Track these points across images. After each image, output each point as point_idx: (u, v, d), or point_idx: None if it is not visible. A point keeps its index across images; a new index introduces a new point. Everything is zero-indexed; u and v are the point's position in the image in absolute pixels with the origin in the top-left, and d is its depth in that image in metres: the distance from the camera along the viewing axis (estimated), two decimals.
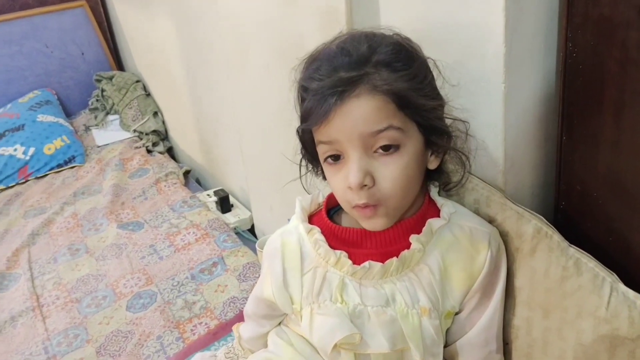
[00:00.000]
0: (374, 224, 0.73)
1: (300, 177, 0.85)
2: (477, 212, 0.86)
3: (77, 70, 2.86)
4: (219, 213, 1.87)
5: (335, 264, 0.78)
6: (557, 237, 0.81)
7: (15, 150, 2.34)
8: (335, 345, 0.76)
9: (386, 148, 0.69)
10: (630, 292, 0.76)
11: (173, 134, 2.58)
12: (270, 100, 1.35)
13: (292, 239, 0.82)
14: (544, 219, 0.83)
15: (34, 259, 1.72)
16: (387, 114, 0.67)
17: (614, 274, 0.78)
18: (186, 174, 2.25)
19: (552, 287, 0.80)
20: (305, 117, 0.71)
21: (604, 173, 0.79)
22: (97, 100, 2.83)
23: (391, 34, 0.73)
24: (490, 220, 0.85)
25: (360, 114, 0.67)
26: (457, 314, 0.82)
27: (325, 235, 0.79)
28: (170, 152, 2.59)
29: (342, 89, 0.66)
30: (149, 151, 2.46)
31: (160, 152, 2.47)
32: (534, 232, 0.82)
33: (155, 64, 2.47)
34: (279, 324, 0.93)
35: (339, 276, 0.78)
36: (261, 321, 0.93)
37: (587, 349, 0.77)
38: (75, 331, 1.38)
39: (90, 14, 2.85)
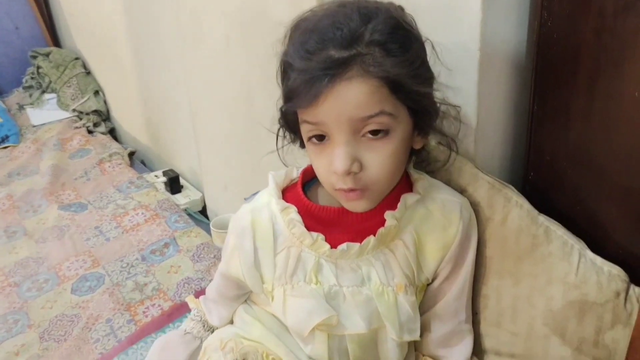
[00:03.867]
0: (357, 206, 0.70)
1: (278, 149, 0.80)
2: (448, 182, 0.85)
3: (10, 45, 2.69)
4: (168, 194, 1.80)
5: (311, 246, 0.75)
6: (527, 206, 0.82)
7: None
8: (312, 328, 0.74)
9: (375, 132, 0.65)
10: (598, 259, 0.78)
11: (116, 114, 2.47)
12: (229, 74, 1.30)
13: (263, 216, 0.78)
14: (514, 189, 0.84)
15: None
16: (380, 99, 0.63)
17: (582, 241, 0.80)
18: (131, 155, 2.16)
19: (523, 255, 0.81)
20: (290, 97, 0.66)
21: (575, 143, 0.80)
22: (32, 77, 2.67)
23: (385, 2, 0.68)
24: (462, 191, 0.84)
25: (351, 98, 0.62)
26: (429, 285, 0.81)
27: (300, 214, 0.76)
28: (113, 133, 2.49)
29: (333, 72, 0.61)
30: (89, 132, 2.35)
31: (102, 133, 2.37)
32: (504, 201, 0.82)
33: (98, 40, 2.35)
34: (245, 300, 0.90)
35: (314, 257, 0.76)
36: (231, 303, 0.89)
37: (557, 315, 0.78)
38: (14, 316, 1.30)
39: None
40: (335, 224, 0.76)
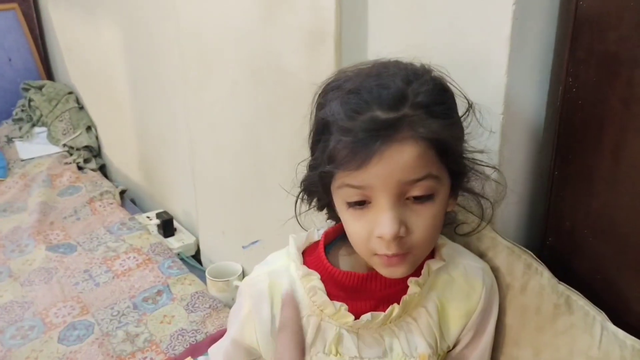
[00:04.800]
0: (396, 272, 0.67)
1: (297, 215, 0.77)
2: (467, 246, 0.83)
3: (1, 76, 2.66)
4: (161, 237, 1.75)
5: (333, 315, 0.72)
6: (547, 273, 0.80)
7: None
8: None
9: (420, 198, 0.63)
10: (620, 332, 0.75)
11: (107, 150, 2.43)
12: (234, 120, 1.28)
13: (282, 282, 0.74)
14: (534, 255, 0.82)
15: None
16: (427, 162, 0.61)
17: (603, 312, 0.78)
18: (122, 193, 2.11)
19: (544, 325, 0.78)
20: (333, 159, 0.63)
21: (597, 210, 0.78)
22: (22, 110, 2.63)
23: (417, 65, 0.67)
24: (481, 256, 0.82)
25: (402, 161, 0.60)
26: (449, 351, 0.78)
27: (322, 281, 0.72)
28: (102, 169, 2.45)
29: (384, 133, 0.59)
30: (79, 168, 2.30)
31: (92, 170, 2.32)
32: (524, 268, 0.80)
33: (93, 75, 2.33)
34: None
35: (335, 327, 0.72)
36: None
37: None
38: None
39: (22, 18, 2.66)
40: (357, 291, 0.72)
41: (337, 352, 0.71)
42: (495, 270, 0.81)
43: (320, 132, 0.66)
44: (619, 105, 0.71)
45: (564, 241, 0.84)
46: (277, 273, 0.75)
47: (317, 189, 0.71)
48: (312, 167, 0.70)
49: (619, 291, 0.79)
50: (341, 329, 0.72)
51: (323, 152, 0.65)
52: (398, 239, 0.63)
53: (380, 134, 0.59)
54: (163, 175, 1.96)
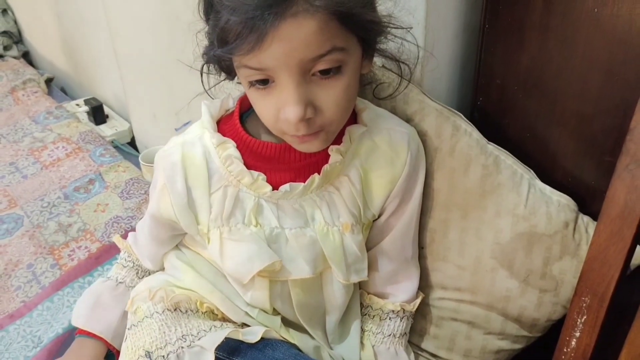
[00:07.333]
0: (312, 147, 0.62)
1: (207, 90, 0.70)
2: (394, 110, 0.79)
3: None
4: (92, 125, 1.66)
5: (250, 185, 0.68)
6: (476, 134, 0.77)
7: None
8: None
9: (326, 72, 0.57)
10: (547, 188, 0.75)
11: (29, 35, 2.24)
12: None
13: (195, 152, 0.69)
14: (463, 116, 0.78)
15: None
16: (330, 35, 0.55)
17: (531, 170, 0.76)
18: (48, 82, 1.97)
19: (472, 187, 0.76)
20: (225, 40, 0.56)
21: (527, 65, 0.74)
22: None
23: None
24: (408, 120, 0.78)
25: (299, 38, 0.53)
26: (375, 220, 0.76)
27: (239, 150, 0.68)
28: (27, 57, 2.27)
29: (276, 9, 0.52)
30: None
31: (14, 57, 2.14)
32: (453, 130, 0.77)
33: None
34: (176, 245, 0.82)
35: (254, 197, 0.69)
36: (165, 246, 0.81)
37: (505, 247, 0.75)
38: None
39: None
40: (276, 161, 0.68)
41: (257, 222, 0.69)
42: (423, 134, 0.77)
43: (207, 9, 0.59)
44: None
45: (494, 100, 0.81)
46: (190, 143, 0.70)
47: (219, 65, 0.64)
48: (209, 43, 0.62)
49: (547, 148, 0.78)
50: (260, 199, 0.69)
51: (213, 32, 0.57)
52: (306, 120, 0.58)
53: (272, 10, 0.52)
54: (88, 58, 1.81)
